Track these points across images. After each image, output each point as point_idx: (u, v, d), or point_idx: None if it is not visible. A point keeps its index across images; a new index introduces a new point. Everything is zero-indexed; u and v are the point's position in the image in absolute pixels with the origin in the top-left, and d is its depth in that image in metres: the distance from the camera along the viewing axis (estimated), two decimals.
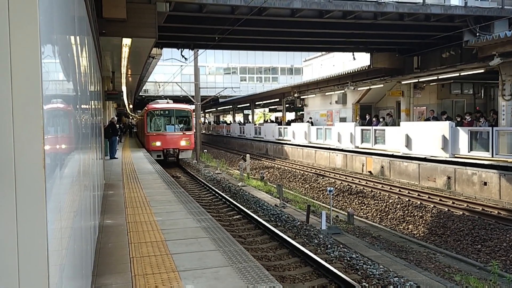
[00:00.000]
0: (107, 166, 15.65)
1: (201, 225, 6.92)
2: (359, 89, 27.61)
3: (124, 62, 15.39)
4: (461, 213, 13.69)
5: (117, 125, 24.28)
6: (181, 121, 25.75)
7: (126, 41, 12.01)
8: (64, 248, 2.09)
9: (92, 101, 5.78)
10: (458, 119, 19.07)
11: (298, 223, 11.90)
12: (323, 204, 17.09)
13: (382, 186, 18.25)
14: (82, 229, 3.40)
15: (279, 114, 49.52)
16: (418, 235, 13.37)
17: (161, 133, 24.86)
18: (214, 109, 71.64)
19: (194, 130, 27.44)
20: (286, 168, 26.27)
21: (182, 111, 26.19)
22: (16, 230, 1.51)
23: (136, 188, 11.00)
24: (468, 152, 16.15)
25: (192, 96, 32.58)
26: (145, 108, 27.52)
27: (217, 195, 15.99)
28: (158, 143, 24.47)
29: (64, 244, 2.10)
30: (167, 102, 27.85)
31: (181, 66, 32.30)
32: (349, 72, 27.55)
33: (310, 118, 34.69)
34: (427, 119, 21.47)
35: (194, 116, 28.97)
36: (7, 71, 1.49)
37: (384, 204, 16.20)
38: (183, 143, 24.98)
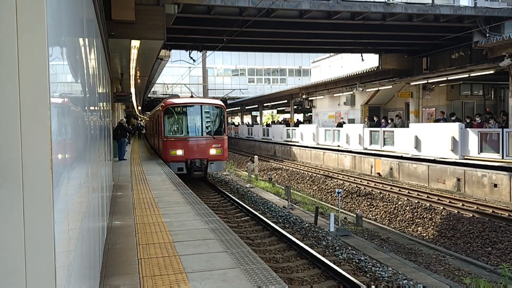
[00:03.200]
0: (116, 167, 15.72)
1: (209, 226, 6.92)
2: (367, 90, 27.50)
3: (132, 64, 15.47)
4: (471, 215, 13.56)
5: (127, 126, 24.33)
6: (210, 122, 18.66)
7: (135, 43, 12.08)
8: (71, 250, 2.10)
9: (101, 103, 5.81)
10: (468, 121, 18.91)
11: (306, 225, 11.86)
12: (332, 206, 17.03)
13: (391, 188, 18.14)
14: (90, 230, 3.41)
15: (287, 116, 49.45)
16: (427, 237, 13.26)
17: (183, 138, 17.78)
18: None
19: (227, 135, 19.58)
20: (294, 169, 26.22)
21: (212, 107, 18.68)
22: (23, 231, 1.51)
23: (144, 189, 11.03)
24: (478, 153, 16.00)
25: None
26: (161, 104, 19.28)
27: (225, 196, 16.00)
28: (179, 152, 17.43)
29: (71, 246, 2.10)
30: (191, 96, 20.51)
31: (190, 67, 31.81)
32: (357, 73, 27.46)
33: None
34: (437, 120, 21.32)
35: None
36: (14, 72, 1.49)
37: (393, 206, 16.10)
38: (213, 151, 17.74)
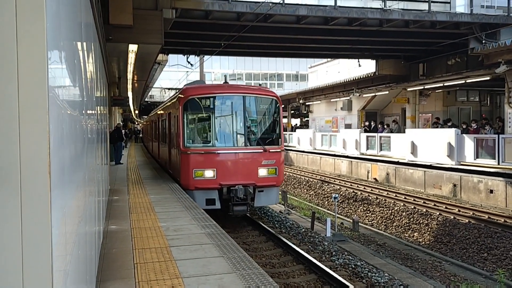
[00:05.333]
0: (112, 171, 15.68)
1: (205, 231, 6.91)
2: (364, 95, 27.59)
3: (130, 68, 15.47)
4: (467, 221, 13.58)
5: (123, 131, 24.29)
6: (259, 123, 12.20)
7: (133, 47, 12.09)
8: (68, 254, 2.09)
9: (98, 107, 5.81)
10: (464, 127, 18.99)
11: (303, 230, 11.85)
12: (328, 211, 17.03)
13: (387, 193, 18.16)
14: (87, 234, 3.41)
15: (284, 120, 49.56)
16: (423, 243, 13.28)
17: (215, 149, 11.48)
18: None
19: (283, 145, 12.69)
20: (291, 174, 26.22)
21: (263, 99, 12.15)
22: (20, 235, 1.51)
23: (141, 193, 11.01)
24: (474, 159, 16.06)
25: None
26: (179, 95, 12.52)
27: None
28: (209, 173, 11.27)
29: (68, 250, 2.10)
30: (225, 82, 13.17)
31: (187, 72, 31.59)
32: (354, 78, 27.55)
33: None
34: (435, 123, 21.43)
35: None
36: (14, 76, 1.49)
37: (390, 211, 16.11)
38: (263, 172, 11.58)
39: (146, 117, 45.33)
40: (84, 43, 3.48)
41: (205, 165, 11.23)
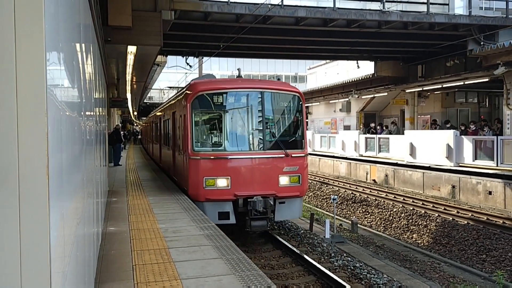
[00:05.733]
0: (111, 173, 15.67)
1: (204, 232, 6.90)
2: (363, 97, 27.62)
3: (129, 70, 15.47)
4: (465, 222, 13.59)
5: (122, 132, 24.26)
6: (279, 123, 10.86)
7: (131, 49, 12.08)
8: (66, 255, 2.09)
9: (97, 108, 5.80)
10: (463, 128, 19.02)
11: (302, 231, 11.85)
12: (327, 213, 17.03)
13: (386, 195, 18.17)
14: (85, 236, 3.40)
15: None
16: (422, 244, 13.28)
17: (229, 154, 10.05)
18: None
19: (307, 148, 11.08)
20: None
21: (283, 96, 10.80)
22: (19, 236, 1.51)
23: (139, 195, 11.00)
24: (473, 161, 16.07)
25: None
26: (186, 91, 11.24)
27: None
28: (222, 182, 9.93)
29: (67, 251, 2.09)
30: (239, 76, 11.82)
31: (186, 73, 31.45)
32: (353, 80, 27.58)
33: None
34: (434, 122, 21.48)
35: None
36: (12, 78, 1.49)
37: (388, 212, 16.12)
38: (284, 180, 10.26)
39: (145, 118, 45.18)
40: (83, 45, 3.48)
41: (218, 172, 9.80)
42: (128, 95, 23.56)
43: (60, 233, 1.85)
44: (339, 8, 15.04)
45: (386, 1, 15.48)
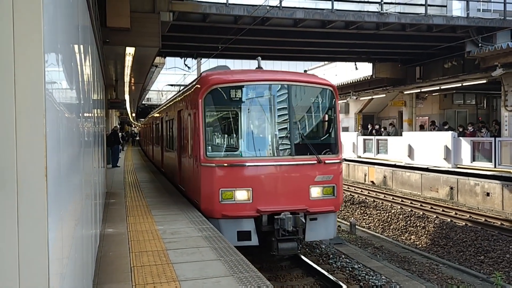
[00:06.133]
0: (109, 174, 15.65)
1: (202, 234, 6.90)
2: (361, 99, 27.67)
3: (127, 71, 15.46)
4: (463, 223, 13.61)
5: (120, 134, 24.23)
6: (309, 124, 9.41)
7: (130, 50, 12.08)
8: (65, 257, 2.09)
9: (95, 109, 5.80)
10: (460, 130, 19.05)
11: None
12: None
13: (384, 196, 18.18)
14: (83, 238, 3.39)
15: None
16: (420, 245, 13.29)
17: (251, 160, 8.43)
18: None
19: (342, 153, 9.43)
20: None
21: (314, 90, 9.19)
22: (17, 238, 1.51)
23: (138, 196, 10.98)
24: (471, 162, 16.10)
25: None
26: (196, 85, 9.25)
27: None
28: (241, 195, 8.26)
29: (65, 253, 2.09)
30: (259, 67, 9.91)
31: (184, 74, 31.28)
32: (351, 81, 27.62)
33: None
34: (432, 123, 21.52)
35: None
36: (10, 79, 1.49)
37: (387, 214, 16.13)
38: (316, 192, 8.63)
39: (143, 119, 45.04)
40: (81, 46, 3.48)
41: (237, 183, 8.15)
42: (127, 97, 23.55)
43: (58, 234, 1.85)
44: (337, 10, 15.06)
45: (384, 3, 15.52)
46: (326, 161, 8.58)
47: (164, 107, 16.32)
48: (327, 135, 9.25)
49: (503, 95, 17.12)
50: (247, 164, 8.23)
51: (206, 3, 14.07)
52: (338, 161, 8.84)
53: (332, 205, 8.62)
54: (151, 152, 23.15)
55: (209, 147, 8.52)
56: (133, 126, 65.85)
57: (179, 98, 11.74)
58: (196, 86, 9.13)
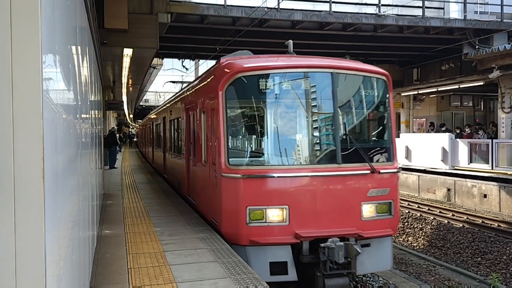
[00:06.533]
0: (107, 175, 15.62)
1: (199, 235, 6.89)
2: None
3: (125, 72, 15.44)
4: (461, 225, 13.63)
5: (117, 135, 24.19)
6: (357, 122, 7.44)
7: (127, 51, 12.07)
8: (62, 258, 2.08)
9: (93, 111, 5.79)
10: (458, 131, 19.10)
11: None
12: None
13: None
14: (80, 239, 3.39)
15: None
16: (418, 247, 13.30)
17: (287, 170, 6.61)
18: None
19: (397, 160, 7.47)
20: None
21: (364, 80, 7.34)
22: (14, 239, 1.50)
23: (135, 198, 10.97)
24: (468, 164, 16.14)
25: None
26: (214, 73, 7.51)
27: None
28: (276, 215, 6.40)
29: (62, 254, 2.09)
30: (290, 52, 8.10)
31: (182, 76, 31.30)
32: None
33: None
34: (431, 124, 21.57)
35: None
36: (8, 80, 1.49)
37: None
38: (368, 209, 6.77)
39: (141, 120, 44.94)
40: (79, 47, 3.47)
41: (269, 199, 6.38)
42: (124, 98, 23.52)
43: (55, 236, 1.85)
44: (335, 12, 15.10)
45: (381, 5, 15.56)
46: (381, 171, 6.82)
47: (167, 105, 14.32)
48: (380, 137, 7.50)
49: (500, 97, 17.18)
50: (282, 174, 6.46)
51: (204, 4, 14.09)
52: (394, 170, 7.11)
53: (388, 227, 6.87)
54: (150, 155, 21.50)
55: (232, 153, 6.71)
56: (131, 127, 65.81)
57: (188, 93, 9.90)
58: (215, 75, 7.33)
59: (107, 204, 10.02)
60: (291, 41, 8.35)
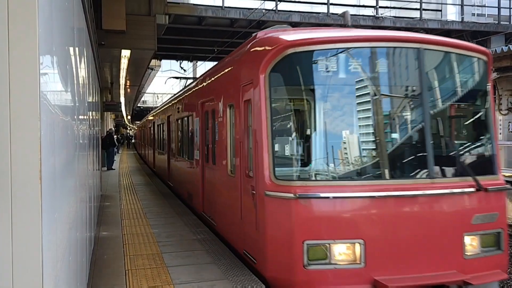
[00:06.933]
0: (104, 177, 15.60)
1: (197, 237, 6.88)
2: None
3: (123, 73, 15.44)
4: None
5: (115, 136, 24.17)
6: (453, 119, 5.30)
7: (125, 53, 12.07)
8: (59, 260, 2.08)
9: (90, 112, 5.79)
10: None
11: None
12: None
13: None
14: (78, 240, 3.38)
15: None
16: None
17: (359, 187, 4.50)
18: None
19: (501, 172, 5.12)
20: None
21: (460, 60, 5.08)
22: (11, 241, 1.50)
23: (133, 199, 10.95)
24: None
25: None
26: (249, 50, 5.31)
27: None
28: (345, 253, 4.41)
29: (59, 256, 2.08)
30: (345, 25, 6.58)
31: (180, 77, 31.14)
32: None
33: None
34: None
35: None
36: (5, 81, 1.49)
37: None
38: (472, 242, 4.75)
39: (139, 122, 44.90)
40: (77, 48, 3.47)
41: (335, 230, 4.49)
42: (122, 99, 23.52)
43: (52, 237, 1.84)
44: (332, 14, 15.14)
45: (379, 7, 15.61)
46: (488, 188, 4.81)
47: (173, 102, 12.45)
48: (480, 139, 5.39)
49: (497, 99, 17.24)
50: (354, 194, 4.49)
51: (202, 6, 14.11)
52: (501, 187, 5.03)
53: (498, 267, 4.92)
54: (151, 158, 19.60)
55: (279, 162, 4.72)
56: (129, 128, 65.76)
57: (205, 84, 7.96)
58: (250, 53, 5.39)
59: (105, 206, 10.00)
60: (348, 11, 6.65)
